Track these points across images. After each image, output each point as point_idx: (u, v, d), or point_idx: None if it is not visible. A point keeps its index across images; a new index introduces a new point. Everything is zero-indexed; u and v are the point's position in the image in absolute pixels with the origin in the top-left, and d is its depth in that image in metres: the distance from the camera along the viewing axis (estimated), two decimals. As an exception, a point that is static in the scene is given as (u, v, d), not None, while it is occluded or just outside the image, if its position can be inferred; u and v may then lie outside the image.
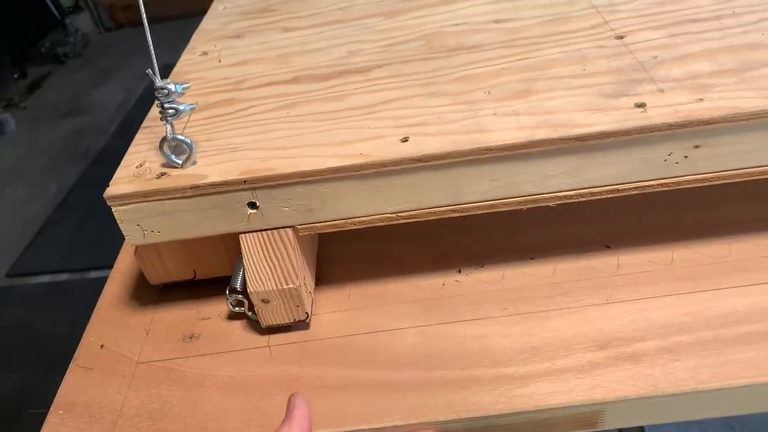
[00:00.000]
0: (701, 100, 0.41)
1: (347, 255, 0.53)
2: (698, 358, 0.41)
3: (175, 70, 0.58)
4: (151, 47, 0.41)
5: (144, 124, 0.50)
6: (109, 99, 2.78)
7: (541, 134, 0.41)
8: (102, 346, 0.49)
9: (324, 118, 0.47)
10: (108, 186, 0.43)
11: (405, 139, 0.43)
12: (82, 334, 0.51)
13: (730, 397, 0.40)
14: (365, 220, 0.45)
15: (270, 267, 0.45)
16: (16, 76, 2.87)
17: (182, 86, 0.42)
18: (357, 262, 0.52)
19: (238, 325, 0.49)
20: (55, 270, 1.92)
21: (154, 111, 0.52)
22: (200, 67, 0.58)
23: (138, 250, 0.50)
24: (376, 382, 0.43)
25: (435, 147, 0.41)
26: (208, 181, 0.42)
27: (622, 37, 0.50)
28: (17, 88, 2.84)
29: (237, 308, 0.48)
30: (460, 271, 0.50)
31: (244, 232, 0.45)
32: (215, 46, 0.62)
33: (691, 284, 0.46)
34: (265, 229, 0.45)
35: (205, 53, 0.61)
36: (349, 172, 0.42)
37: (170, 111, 0.42)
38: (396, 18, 0.60)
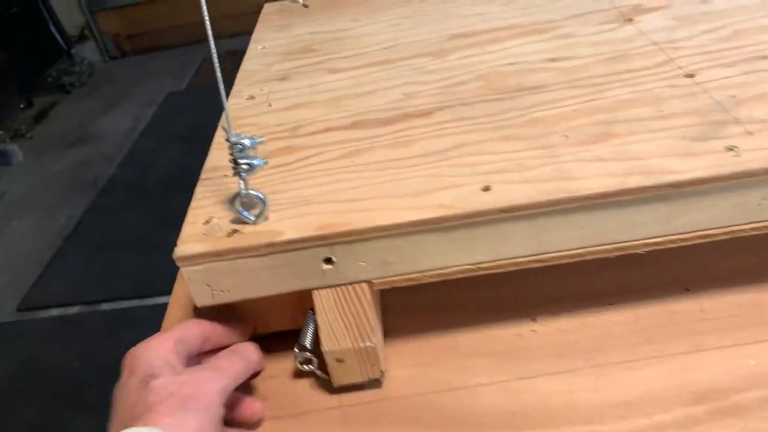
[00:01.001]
0: (796, 142, 0.40)
1: (413, 304, 0.51)
2: (804, 411, 0.39)
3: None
4: (225, 102, 0.40)
5: (202, 176, 0.49)
6: (116, 127, 2.77)
7: (633, 182, 0.39)
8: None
9: (393, 166, 0.45)
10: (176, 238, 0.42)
11: (486, 188, 0.41)
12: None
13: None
14: (444, 273, 0.43)
15: (345, 324, 0.43)
16: (22, 106, 2.87)
17: (257, 141, 0.40)
18: (424, 312, 0.50)
19: (305, 383, 0.47)
20: (66, 303, 1.89)
21: (212, 161, 0.50)
22: (251, 112, 0.57)
23: (198, 309, 0.48)
24: (462, 445, 0.41)
25: (521, 197, 0.40)
26: (284, 238, 0.40)
27: (692, 76, 0.49)
28: (24, 118, 2.84)
29: (306, 367, 0.46)
30: (534, 320, 0.48)
31: (318, 288, 0.43)
32: (261, 89, 0.60)
33: (783, 329, 0.44)
34: (340, 285, 0.43)
35: (252, 97, 0.59)
36: (430, 225, 0.40)
37: (244, 166, 0.40)
38: (446, 58, 0.59)
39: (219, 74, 0.39)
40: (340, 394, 0.46)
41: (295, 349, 0.46)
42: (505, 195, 0.40)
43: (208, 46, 0.38)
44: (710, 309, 0.46)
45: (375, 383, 0.46)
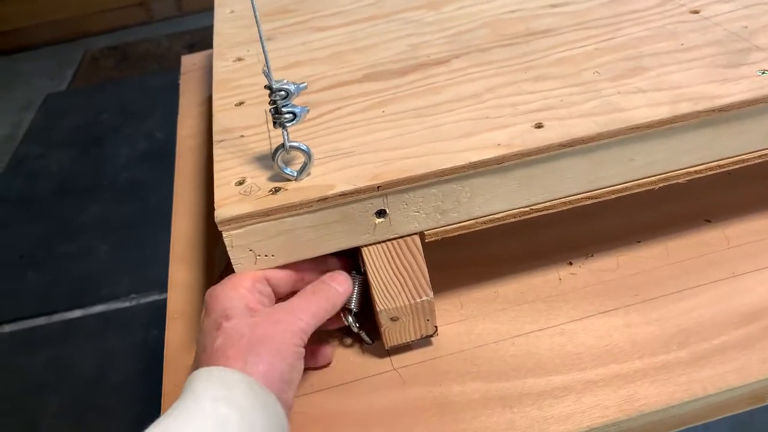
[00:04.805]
0: (822, 62, 0.41)
1: (447, 260, 0.49)
2: None
3: (217, 78, 0.52)
4: (264, 44, 0.36)
5: (216, 138, 0.44)
6: (-7, 135, 2.50)
7: (683, 108, 0.39)
8: (191, 398, 0.42)
9: (429, 113, 0.43)
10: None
11: (539, 126, 0.40)
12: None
13: None
14: (498, 218, 0.41)
15: (399, 280, 0.40)
16: None
17: (301, 86, 0.37)
18: (459, 267, 0.49)
19: (350, 352, 0.44)
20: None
21: (221, 123, 0.46)
22: (245, 74, 0.52)
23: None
24: (535, 391, 0.40)
25: (580, 130, 0.39)
26: (337, 191, 0.37)
27: (697, 12, 0.50)
28: None
29: (362, 333, 0.43)
30: (571, 264, 0.48)
31: (368, 245, 0.40)
32: (248, 50, 0.56)
33: (804, 247, 0.46)
34: (391, 239, 0.40)
35: (240, 59, 0.55)
36: (491, 166, 0.38)
37: (288, 116, 0.37)
38: (441, 9, 0.57)
39: (258, 20, 0.35)
40: (390, 358, 0.43)
41: (342, 315, 0.42)
42: (562, 130, 0.39)
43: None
44: (734, 237, 0.48)
45: (425, 342, 0.44)
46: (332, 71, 0.50)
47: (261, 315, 0.36)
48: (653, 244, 0.48)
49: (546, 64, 0.46)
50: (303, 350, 0.36)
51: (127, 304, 1.38)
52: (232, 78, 0.52)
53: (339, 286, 0.40)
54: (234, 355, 0.34)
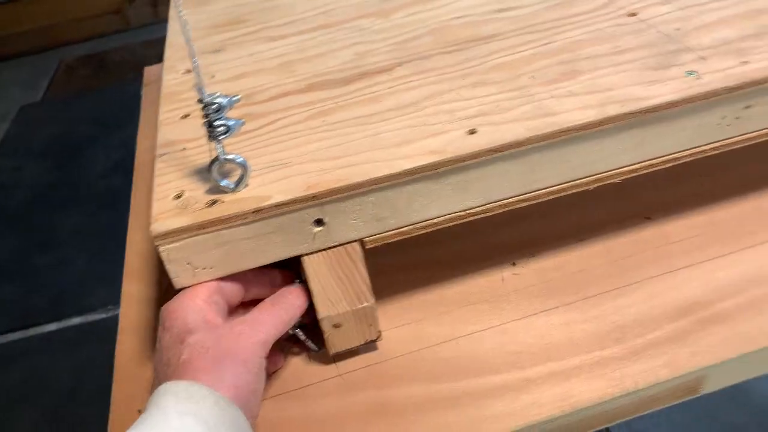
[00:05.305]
0: (746, 62, 0.43)
1: (391, 265, 0.50)
2: (777, 309, 0.42)
3: (165, 91, 0.52)
4: (195, 58, 0.36)
5: (158, 152, 0.44)
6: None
7: (612, 110, 0.40)
8: (140, 411, 0.43)
9: (368, 122, 0.44)
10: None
11: (472, 132, 0.41)
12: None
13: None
14: (435, 223, 0.42)
15: (340, 287, 0.41)
16: None
17: (234, 99, 0.37)
18: (403, 271, 0.50)
19: (298, 360, 0.45)
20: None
21: (164, 136, 0.46)
22: (193, 85, 0.52)
23: (170, 293, 0.44)
24: (475, 391, 0.41)
25: (510, 135, 0.40)
26: (272, 202, 0.38)
27: (634, 14, 0.51)
28: None
29: (308, 341, 0.44)
30: (514, 264, 0.49)
31: (308, 254, 0.41)
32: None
33: (741, 242, 0.48)
34: (331, 247, 0.41)
35: (189, 71, 0.55)
36: (426, 172, 0.39)
37: (221, 129, 0.37)
38: (390, 17, 0.58)
39: (189, 31, 0.36)
40: (335, 364, 0.44)
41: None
42: (493, 136, 0.40)
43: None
44: (672, 234, 0.49)
45: (370, 347, 0.44)
46: (278, 81, 0.51)
47: (223, 328, 0.37)
48: (595, 242, 0.50)
49: (484, 70, 0.47)
50: (265, 361, 0.37)
51: (103, 315, 1.37)
52: (180, 90, 0.52)
53: (296, 299, 0.41)
54: (201, 368, 0.34)
